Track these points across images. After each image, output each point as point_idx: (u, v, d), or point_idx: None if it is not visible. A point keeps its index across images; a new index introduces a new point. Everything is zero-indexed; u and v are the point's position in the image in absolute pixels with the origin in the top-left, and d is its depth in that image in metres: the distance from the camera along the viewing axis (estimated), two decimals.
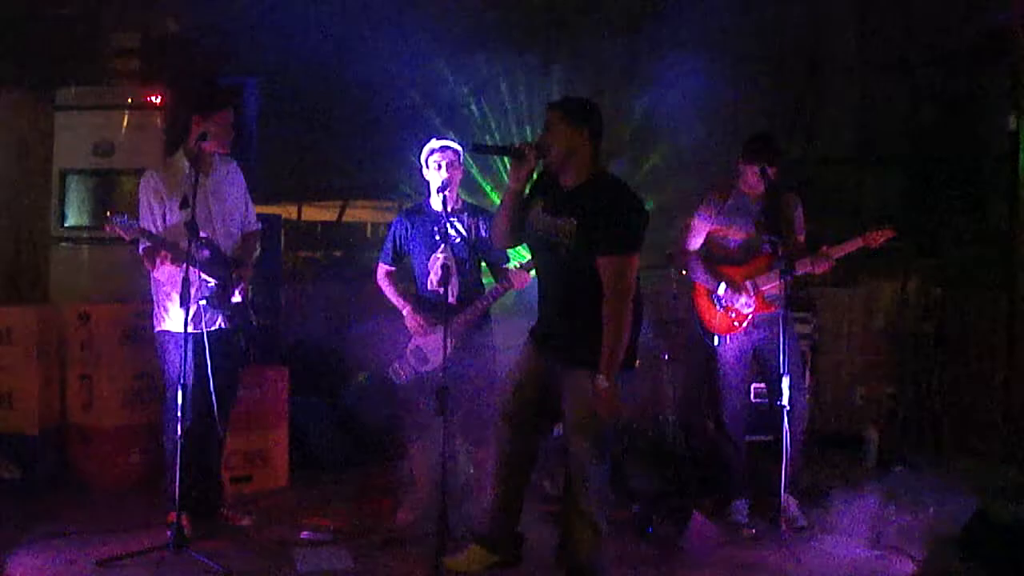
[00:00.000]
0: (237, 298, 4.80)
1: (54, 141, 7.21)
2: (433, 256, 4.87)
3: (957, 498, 5.00)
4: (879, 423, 6.44)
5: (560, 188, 3.90)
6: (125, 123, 7.13)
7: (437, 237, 4.84)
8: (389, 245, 5.09)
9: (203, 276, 4.61)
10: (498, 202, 4.30)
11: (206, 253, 4.64)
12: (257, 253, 5.02)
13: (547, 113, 3.91)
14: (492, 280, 5.07)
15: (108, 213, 4.41)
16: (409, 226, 5.04)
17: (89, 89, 7.25)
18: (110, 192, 7.09)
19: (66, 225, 7.19)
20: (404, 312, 4.98)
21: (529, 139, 4.50)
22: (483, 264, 5.11)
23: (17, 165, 7.58)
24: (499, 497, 4.10)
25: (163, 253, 4.46)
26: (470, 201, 5.20)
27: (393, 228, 5.13)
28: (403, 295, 5.04)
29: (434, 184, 4.90)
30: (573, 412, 3.88)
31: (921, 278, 7.09)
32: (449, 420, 4.44)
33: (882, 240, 4.93)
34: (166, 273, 4.51)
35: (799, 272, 4.90)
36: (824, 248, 4.96)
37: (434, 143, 4.95)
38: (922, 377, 6.70)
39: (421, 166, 4.99)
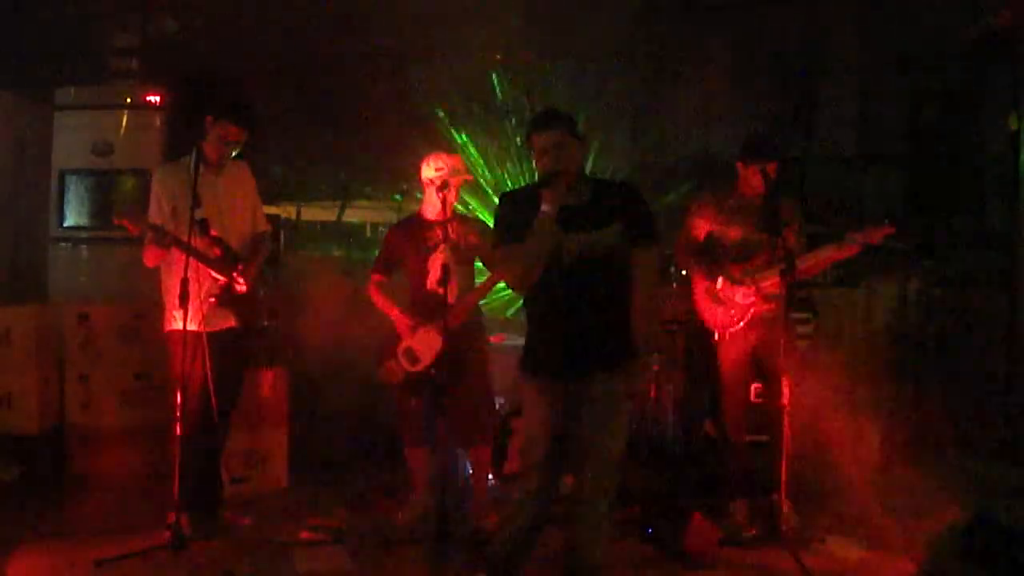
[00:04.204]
0: (242, 286, 4.78)
1: (53, 141, 7.21)
2: (432, 257, 4.89)
3: (957, 498, 4.99)
4: (879, 423, 6.43)
5: (570, 202, 3.75)
6: (124, 123, 7.13)
7: (431, 244, 4.91)
8: (382, 256, 5.13)
9: (213, 275, 4.62)
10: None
11: (216, 252, 4.64)
12: (267, 253, 5.02)
13: (552, 133, 3.74)
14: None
15: (118, 207, 4.42)
16: (402, 236, 5.07)
17: (89, 89, 7.25)
18: (109, 192, 7.10)
19: (65, 225, 7.20)
20: (392, 315, 4.99)
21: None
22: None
23: (17, 165, 7.58)
24: (521, 536, 3.96)
25: (169, 241, 4.45)
26: (459, 209, 5.23)
27: (386, 239, 5.17)
28: (391, 300, 5.04)
29: (432, 190, 4.93)
30: (608, 417, 3.80)
31: (921, 278, 7.08)
32: (445, 420, 4.45)
33: (880, 237, 4.87)
34: (174, 271, 4.51)
35: (799, 270, 4.87)
36: (822, 250, 4.93)
37: (435, 154, 5.00)
38: (922, 377, 6.70)
39: (421, 173, 5.01)
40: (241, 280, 4.74)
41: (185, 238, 4.46)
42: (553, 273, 3.74)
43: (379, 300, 5.06)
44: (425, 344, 4.85)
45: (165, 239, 4.48)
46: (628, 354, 3.85)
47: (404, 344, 4.95)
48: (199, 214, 4.51)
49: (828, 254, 4.90)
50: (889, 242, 4.96)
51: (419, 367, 4.90)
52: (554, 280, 3.76)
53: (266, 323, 4.99)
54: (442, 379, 4.65)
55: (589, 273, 3.76)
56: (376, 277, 5.09)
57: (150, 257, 4.59)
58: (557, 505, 4.10)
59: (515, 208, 3.82)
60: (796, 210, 5.14)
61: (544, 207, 3.67)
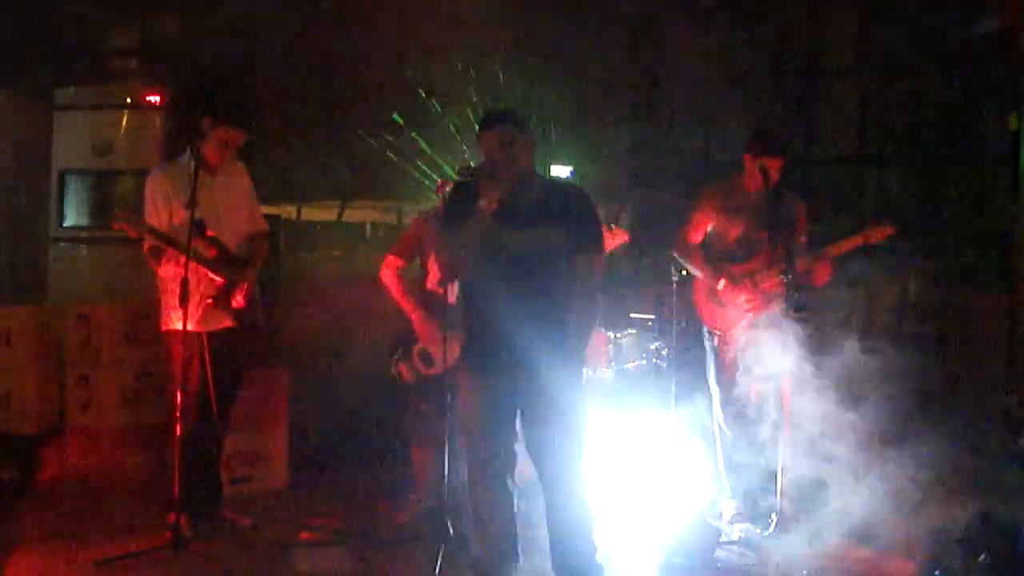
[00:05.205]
0: (240, 302, 4.78)
1: (53, 141, 7.21)
2: (432, 256, 4.86)
3: (957, 498, 4.99)
4: (879, 423, 6.43)
5: (512, 199, 3.81)
6: (124, 123, 7.13)
7: None
8: (405, 242, 5.00)
9: (210, 275, 4.62)
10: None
11: (213, 252, 4.64)
12: (266, 254, 5.02)
13: (498, 131, 3.81)
14: None
15: (116, 210, 4.43)
16: (430, 228, 4.97)
17: (89, 89, 7.25)
18: (109, 192, 7.10)
19: (65, 225, 7.20)
20: (414, 318, 4.91)
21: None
22: None
23: (17, 165, 7.59)
24: (500, 539, 3.96)
25: (168, 251, 4.46)
26: None
27: (413, 226, 5.07)
28: (414, 298, 4.95)
29: None
30: (554, 415, 3.83)
31: (921, 278, 7.08)
32: (451, 420, 4.44)
33: (882, 237, 4.90)
34: (172, 272, 4.52)
35: (800, 270, 4.87)
36: (826, 248, 4.94)
37: None
38: (922, 377, 6.70)
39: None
40: (240, 296, 4.73)
41: (182, 239, 4.46)
42: (491, 267, 3.79)
43: (398, 292, 4.92)
44: (442, 348, 4.78)
45: (163, 241, 4.48)
46: (565, 356, 3.85)
47: (420, 346, 4.90)
48: (196, 214, 4.50)
49: (828, 254, 4.90)
50: (889, 242, 4.97)
51: (434, 371, 4.87)
52: (492, 274, 3.80)
53: (263, 323, 4.98)
54: (455, 383, 4.62)
55: (527, 271, 3.79)
56: (394, 260, 4.94)
57: (152, 260, 4.59)
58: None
59: (460, 199, 3.84)
60: (800, 210, 5.14)
61: (481, 202, 3.73)
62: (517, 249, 3.79)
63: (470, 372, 3.94)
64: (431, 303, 4.86)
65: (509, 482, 3.96)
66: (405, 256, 5.00)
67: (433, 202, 5.06)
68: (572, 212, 3.85)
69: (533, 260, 3.80)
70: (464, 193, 3.81)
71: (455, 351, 4.70)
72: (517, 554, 3.97)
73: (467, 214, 3.73)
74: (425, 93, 7.62)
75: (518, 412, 3.94)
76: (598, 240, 3.93)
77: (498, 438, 3.89)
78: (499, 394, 3.86)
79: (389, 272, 4.95)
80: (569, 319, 3.85)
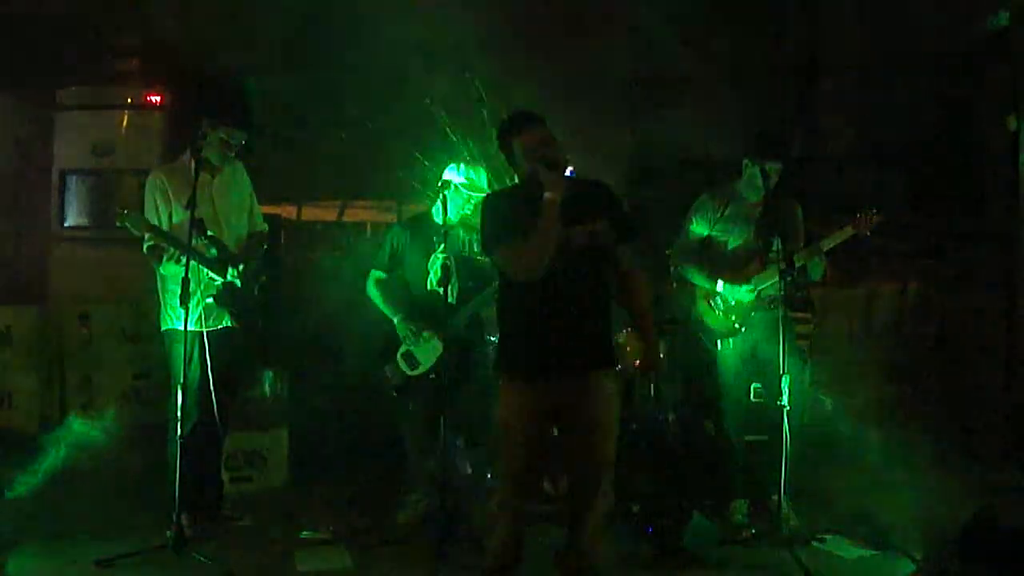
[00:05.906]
0: (233, 276, 4.78)
1: (54, 141, 7.21)
2: (433, 256, 4.88)
3: (957, 498, 4.99)
4: (879, 423, 6.43)
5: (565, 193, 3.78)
6: (125, 123, 7.13)
7: (435, 241, 4.86)
8: (386, 252, 5.09)
9: (210, 275, 4.63)
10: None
11: (213, 252, 4.65)
12: (263, 253, 5.02)
13: (542, 128, 3.79)
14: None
15: (118, 209, 4.44)
16: (408, 235, 5.05)
17: (89, 89, 7.25)
18: (110, 192, 7.09)
19: (66, 225, 7.19)
20: (395, 320, 4.98)
21: None
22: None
23: (17, 165, 7.58)
24: (509, 539, 3.89)
25: (168, 250, 4.47)
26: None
27: (390, 236, 5.13)
28: (394, 303, 5.03)
29: (455, 202, 4.92)
30: (598, 415, 3.78)
31: (921, 278, 7.08)
32: (447, 420, 4.45)
33: (871, 224, 4.86)
34: (172, 271, 4.53)
35: (796, 266, 4.85)
36: (820, 242, 4.94)
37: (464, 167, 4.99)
38: (922, 377, 6.70)
39: (445, 175, 4.98)
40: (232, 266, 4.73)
41: (182, 238, 4.46)
42: (553, 267, 3.69)
43: (380, 302, 5.05)
44: (425, 349, 4.86)
45: (164, 240, 4.50)
46: (610, 361, 3.86)
47: (404, 349, 4.94)
48: (196, 214, 4.51)
49: (821, 248, 4.91)
50: (887, 241, 4.96)
51: (418, 371, 4.91)
52: (553, 274, 3.69)
53: (263, 323, 4.99)
54: (442, 382, 4.66)
55: (584, 268, 3.76)
56: (375, 273, 5.08)
57: (152, 259, 4.60)
58: (556, 503, 4.10)
59: (508, 204, 3.83)
60: (798, 215, 5.13)
61: (548, 194, 3.66)
62: (579, 244, 3.74)
63: (517, 379, 3.79)
64: (426, 306, 4.88)
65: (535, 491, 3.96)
66: (384, 267, 5.08)
67: (433, 202, 5.07)
68: (611, 205, 3.89)
69: (591, 256, 3.77)
70: (518, 196, 3.80)
71: (436, 349, 4.75)
72: (521, 557, 3.96)
73: (528, 213, 3.67)
74: (422, 95, 7.61)
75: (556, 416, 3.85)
76: (638, 226, 3.97)
77: (534, 449, 3.79)
78: (542, 401, 3.75)
79: (372, 283, 5.07)
80: (608, 316, 3.86)
